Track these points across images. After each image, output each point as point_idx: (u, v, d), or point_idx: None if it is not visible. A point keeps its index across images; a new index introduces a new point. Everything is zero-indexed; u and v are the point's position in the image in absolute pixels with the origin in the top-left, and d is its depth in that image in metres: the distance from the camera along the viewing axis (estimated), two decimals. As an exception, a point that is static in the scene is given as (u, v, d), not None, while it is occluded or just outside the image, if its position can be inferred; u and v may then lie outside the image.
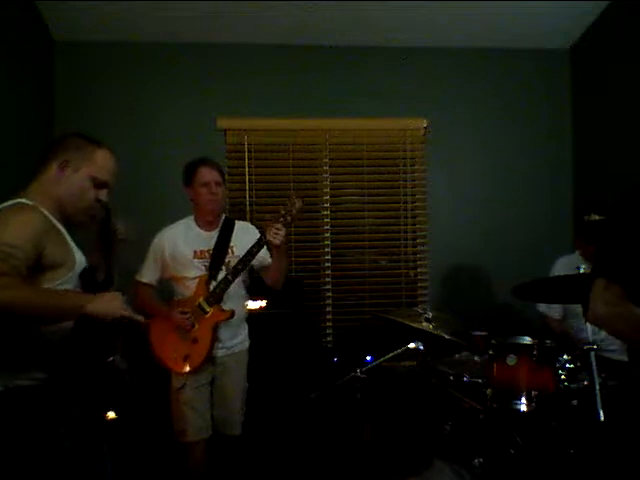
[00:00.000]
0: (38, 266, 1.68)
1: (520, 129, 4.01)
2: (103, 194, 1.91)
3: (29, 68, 3.37)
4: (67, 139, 1.89)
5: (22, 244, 1.62)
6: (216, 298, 2.63)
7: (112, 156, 1.94)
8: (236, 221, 2.86)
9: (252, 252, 2.59)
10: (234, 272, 2.62)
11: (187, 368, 2.62)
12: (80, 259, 1.83)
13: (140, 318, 1.85)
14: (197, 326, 2.64)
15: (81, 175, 1.84)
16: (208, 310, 2.63)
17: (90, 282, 1.84)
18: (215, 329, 2.65)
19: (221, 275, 2.67)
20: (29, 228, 1.66)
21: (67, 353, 1.76)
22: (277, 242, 2.53)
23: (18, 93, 3.18)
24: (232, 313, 2.66)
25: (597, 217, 2.91)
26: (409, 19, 3.63)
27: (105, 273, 1.95)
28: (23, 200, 1.75)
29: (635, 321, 1.44)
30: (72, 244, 1.83)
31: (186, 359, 2.62)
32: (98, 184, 1.88)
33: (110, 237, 2.02)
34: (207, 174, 2.69)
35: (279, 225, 2.54)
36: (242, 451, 2.86)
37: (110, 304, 1.73)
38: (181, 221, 2.81)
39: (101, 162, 1.89)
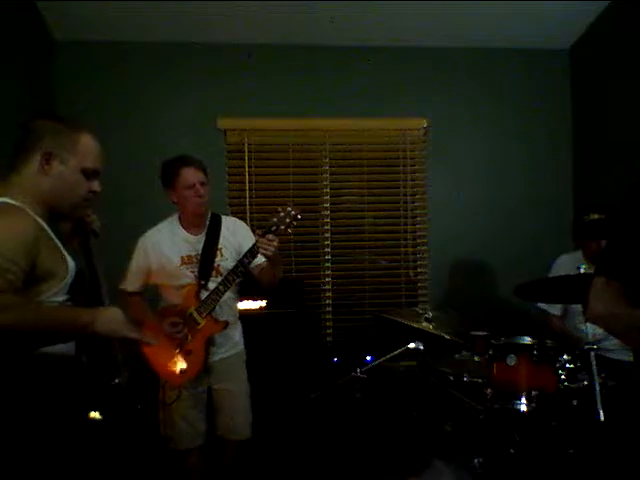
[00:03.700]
0: (31, 278, 1.51)
1: (520, 129, 4.01)
2: (96, 185, 1.73)
3: (29, 68, 3.37)
4: (43, 124, 1.68)
5: (14, 255, 1.44)
6: (208, 309, 2.50)
7: (95, 139, 1.73)
8: (222, 217, 2.70)
9: (244, 262, 2.43)
10: (225, 283, 2.48)
11: (182, 380, 2.53)
12: (72, 265, 1.66)
13: (148, 339, 1.72)
14: (190, 337, 2.51)
15: (71, 169, 1.66)
16: (200, 322, 2.51)
17: (79, 286, 1.67)
18: (208, 341, 2.54)
19: (212, 281, 2.54)
20: (21, 236, 1.48)
21: (70, 374, 1.59)
22: (269, 254, 2.38)
23: (18, 93, 3.18)
24: (226, 324, 2.56)
25: (597, 216, 2.92)
26: (409, 19, 3.62)
27: (89, 272, 1.78)
28: (7, 199, 1.56)
29: (631, 322, 1.44)
30: (63, 249, 1.67)
31: (181, 372, 2.52)
32: (90, 174, 1.70)
33: (85, 230, 1.84)
34: (191, 176, 2.50)
35: (271, 236, 2.36)
36: (246, 452, 2.77)
37: (115, 323, 1.60)
38: (164, 222, 2.65)
39: (87, 149, 1.69)
